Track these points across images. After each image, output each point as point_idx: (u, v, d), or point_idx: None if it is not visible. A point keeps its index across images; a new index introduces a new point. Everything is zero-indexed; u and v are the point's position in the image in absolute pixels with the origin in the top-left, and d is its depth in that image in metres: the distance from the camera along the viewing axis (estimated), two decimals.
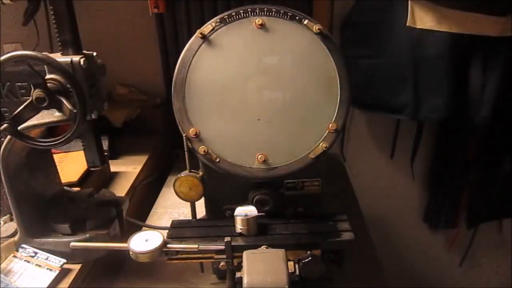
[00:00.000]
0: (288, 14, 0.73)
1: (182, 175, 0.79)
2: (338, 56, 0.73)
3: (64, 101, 0.70)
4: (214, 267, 0.82)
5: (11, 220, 0.94)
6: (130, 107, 1.42)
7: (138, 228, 0.99)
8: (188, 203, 0.81)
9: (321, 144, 0.74)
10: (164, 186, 1.24)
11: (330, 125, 0.73)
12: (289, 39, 0.73)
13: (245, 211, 0.73)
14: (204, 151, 0.74)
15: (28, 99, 0.70)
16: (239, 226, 0.73)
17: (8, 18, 1.27)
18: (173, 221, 0.80)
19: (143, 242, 0.69)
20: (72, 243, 0.74)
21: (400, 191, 1.67)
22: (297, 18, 0.73)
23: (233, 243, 0.70)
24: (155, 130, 1.47)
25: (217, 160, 0.75)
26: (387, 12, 1.21)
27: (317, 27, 0.73)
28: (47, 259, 0.82)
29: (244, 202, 0.77)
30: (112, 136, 1.32)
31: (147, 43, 1.43)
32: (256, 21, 0.73)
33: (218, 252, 0.70)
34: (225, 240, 0.69)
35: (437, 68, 1.18)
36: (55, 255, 0.83)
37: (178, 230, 0.78)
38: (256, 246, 0.70)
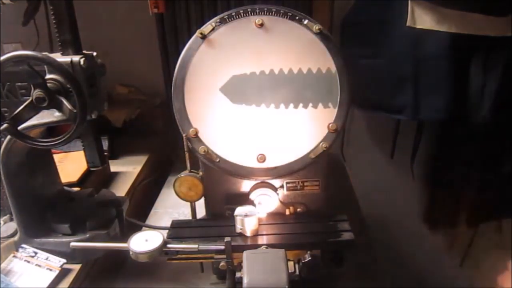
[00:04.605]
0: (288, 14, 0.73)
1: (182, 175, 0.79)
2: (338, 56, 0.73)
3: (64, 101, 0.70)
4: (214, 267, 0.82)
5: (11, 220, 0.94)
6: (130, 107, 1.42)
7: (138, 228, 0.99)
8: (188, 203, 0.81)
9: (321, 144, 0.74)
10: (164, 186, 1.24)
11: (330, 125, 0.73)
12: (289, 39, 0.73)
13: (245, 211, 0.73)
14: (204, 151, 0.74)
15: (28, 99, 0.70)
16: (239, 226, 0.73)
17: (8, 18, 1.27)
18: (173, 221, 0.80)
19: (143, 242, 0.69)
20: (72, 243, 0.74)
21: (400, 191, 1.67)
22: (297, 18, 0.73)
23: (233, 243, 0.70)
24: (155, 130, 1.47)
25: (217, 160, 0.75)
26: (387, 12, 1.21)
27: (317, 27, 0.73)
28: (47, 259, 0.82)
29: (244, 202, 0.77)
30: (112, 136, 1.32)
31: (147, 43, 1.43)
32: (256, 21, 0.73)
33: (218, 252, 0.70)
34: (225, 240, 0.69)
35: (437, 68, 1.18)
36: (55, 255, 0.83)
37: (178, 230, 0.78)
38: (256, 246, 0.70)
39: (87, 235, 0.84)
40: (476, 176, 1.48)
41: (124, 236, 0.81)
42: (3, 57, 0.66)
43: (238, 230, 0.73)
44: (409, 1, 1.14)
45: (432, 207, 1.65)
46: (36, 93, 0.69)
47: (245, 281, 0.62)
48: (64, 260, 0.82)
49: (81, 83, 0.70)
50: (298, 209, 0.81)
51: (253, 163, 0.75)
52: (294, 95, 0.74)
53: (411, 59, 1.20)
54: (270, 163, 0.75)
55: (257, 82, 0.74)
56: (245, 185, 0.80)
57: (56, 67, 0.68)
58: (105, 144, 1.25)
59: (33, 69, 0.68)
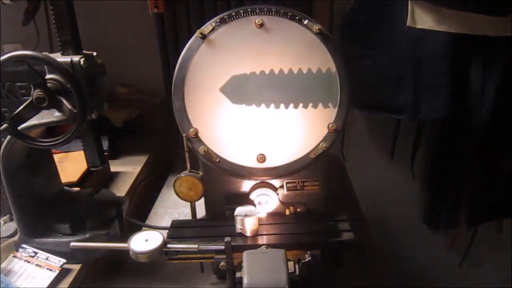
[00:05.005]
0: (288, 14, 0.73)
1: (182, 175, 0.79)
2: (338, 56, 0.73)
3: (64, 101, 0.70)
4: (214, 267, 0.82)
5: (11, 220, 0.94)
6: (130, 107, 1.42)
7: (138, 228, 0.99)
8: (188, 203, 0.81)
9: (321, 144, 0.74)
10: (164, 186, 1.24)
11: (330, 125, 0.73)
12: (289, 39, 0.74)
13: (245, 211, 0.73)
14: (204, 151, 0.74)
15: (28, 99, 0.70)
16: (239, 226, 0.73)
17: (8, 18, 1.27)
18: (173, 221, 0.80)
19: (143, 242, 0.69)
20: (72, 243, 0.74)
21: (400, 191, 1.67)
22: (297, 18, 0.73)
23: (233, 243, 0.70)
24: (155, 130, 1.47)
25: (217, 160, 0.75)
26: (387, 12, 1.21)
27: (317, 27, 0.73)
28: (47, 259, 0.82)
29: (244, 202, 0.77)
30: (112, 136, 1.32)
31: (147, 43, 1.43)
32: (256, 21, 0.73)
33: (218, 252, 0.70)
34: (225, 240, 0.69)
35: (437, 68, 1.18)
36: (55, 255, 0.83)
37: (178, 230, 0.78)
38: (256, 246, 0.70)
39: (87, 235, 0.84)
40: (476, 176, 1.48)
41: (124, 236, 0.81)
42: (3, 57, 0.66)
43: (238, 230, 0.73)
44: (409, 1, 1.14)
45: (432, 207, 1.64)
46: (36, 93, 0.69)
47: (245, 281, 0.62)
48: (64, 260, 0.82)
49: (81, 83, 0.70)
50: (298, 209, 0.81)
51: (253, 163, 0.75)
52: (294, 95, 0.74)
53: (411, 59, 1.20)
54: (270, 163, 0.75)
55: (257, 82, 0.74)
56: (245, 185, 0.80)
57: (56, 67, 0.68)
58: (105, 144, 1.25)
59: (33, 69, 0.68)
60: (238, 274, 0.68)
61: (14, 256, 0.83)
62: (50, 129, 0.80)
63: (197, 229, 0.78)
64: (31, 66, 0.68)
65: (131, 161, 1.29)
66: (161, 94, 1.49)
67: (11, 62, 0.67)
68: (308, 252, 0.70)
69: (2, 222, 0.95)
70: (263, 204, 0.79)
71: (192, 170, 0.79)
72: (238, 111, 0.74)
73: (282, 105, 0.74)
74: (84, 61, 0.71)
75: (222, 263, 0.71)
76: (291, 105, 0.74)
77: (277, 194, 0.79)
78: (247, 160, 0.75)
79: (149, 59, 1.45)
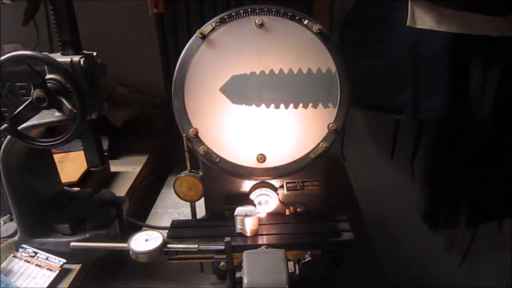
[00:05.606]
0: (288, 14, 0.73)
1: (182, 175, 0.79)
2: (338, 56, 0.73)
3: (64, 101, 0.70)
4: (214, 267, 0.82)
5: (11, 220, 0.94)
6: (130, 107, 1.42)
7: (138, 228, 0.99)
8: (188, 203, 0.81)
9: (321, 144, 0.74)
10: (164, 186, 1.24)
11: (330, 125, 0.73)
12: (289, 39, 0.73)
13: (245, 211, 0.73)
14: (204, 151, 0.74)
15: (28, 99, 0.70)
16: (239, 226, 0.73)
17: (8, 18, 1.27)
18: (173, 221, 0.80)
19: (143, 242, 0.69)
20: (72, 243, 0.74)
21: (400, 191, 1.67)
22: (297, 18, 0.73)
23: (233, 243, 0.70)
24: (155, 130, 1.47)
25: (217, 160, 0.75)
26: (387, 12, 1.21)
27: (317, 27, 0.73)
28: (47, 259, 0.82)
29: (244, 202, 0.77)
30: (112, 136, 1.32)
31: (147, 43, 1.43)
32: (256, 21, 0.73)
33: (218, 252, 0.70)
34: (225, 240, 0.69)
35: (437, 68, 1.18)
36: (55, 255, 0.83)
37: (178, 230, 0.78)
38: (256, 246, 0.70)
39: (87, 235, 0.84)
40: (476, 176, 1.48)
41: (124, 236, 0.81)
42: (3, 57, 0.66)
43: (238, 230, 0.73)
44: (409, 1, 1.14)
45: (432, 207, 1.64)
46: (36, 93, 0.69)
47: (245, 281, 0.62)
48: (64, 260, 0.82)
49: (81, 83, 0.70)
50: (298, 209, 0.81)
51: (253, 163, 0.75)
52: (294, 95, 0.74)
53: (411, 59, 1.20)
54: (270, 163, 0.74)
55: (257, 82, 0.74)
56: (245, 185, 0.80)
57: (56, 67, 0.68)
58: (105, 144, 1.25)
59: (33, 69, 0.68)
60: (238, 274, 0.68)
61: (14, 256, 0.83)
62: (50, 129, 0.80)
63: (197, 229, 0.78)
64: (31, 66, 0.68)
65: (131, 161, 1.29)
66: (161, 94, 1.49)
67: (11, 62, 0.67)
68: (308, 252, 0.70)
69: (2, 222, 0.95)
70: (263, 204, 0.79)
71: (192, 170, 0.79)
72: (238, 111, 0.74)
73: (282, 105, 0.74)
74: (84, 61, 0.71)
75: (222, 263, 0.71)
76: (291, 105, 0.74)
77: (277, 194, 0.79)
78: (247, 160, 0.75)
79: (149, 59, 1.45)
